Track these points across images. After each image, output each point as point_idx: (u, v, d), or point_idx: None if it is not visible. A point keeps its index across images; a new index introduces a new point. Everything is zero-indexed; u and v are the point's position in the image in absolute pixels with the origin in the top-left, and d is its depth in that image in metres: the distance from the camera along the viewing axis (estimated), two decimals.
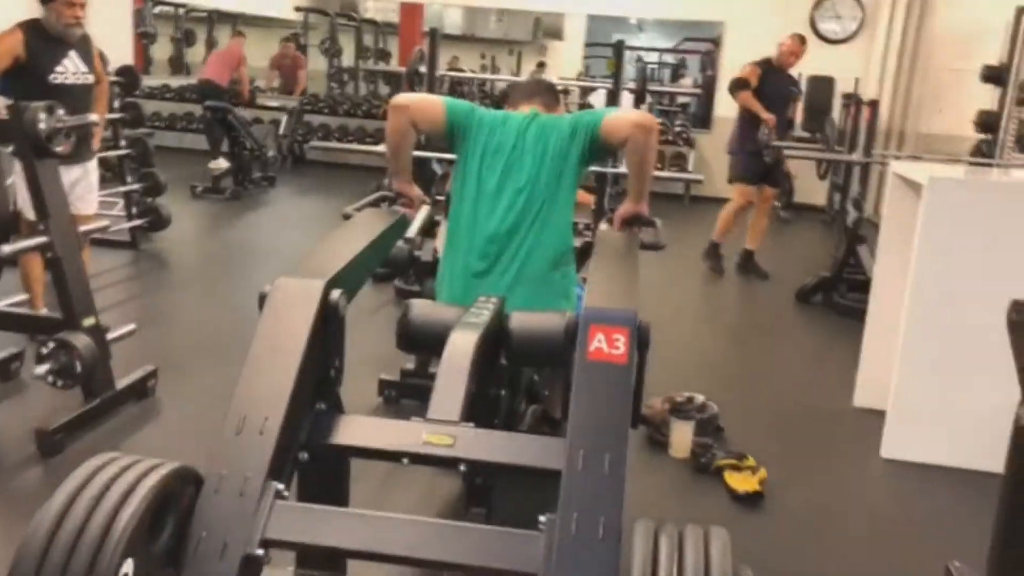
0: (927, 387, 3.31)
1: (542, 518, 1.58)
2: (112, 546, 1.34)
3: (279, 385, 1.73)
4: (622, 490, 1.59)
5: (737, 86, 6.30)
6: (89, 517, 1.37)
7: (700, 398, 3.52)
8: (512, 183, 2.61)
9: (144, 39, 11.58)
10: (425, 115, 2.70)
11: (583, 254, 3.00)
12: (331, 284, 1.91)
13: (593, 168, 4.98)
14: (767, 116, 6.16)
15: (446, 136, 2.73)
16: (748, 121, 6.26)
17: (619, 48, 5.85)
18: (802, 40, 6.45)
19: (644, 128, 2.58)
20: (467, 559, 1.60)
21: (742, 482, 3.00)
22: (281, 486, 1.64)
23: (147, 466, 1.49)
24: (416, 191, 2.87)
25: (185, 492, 1.55)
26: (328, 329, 1.90)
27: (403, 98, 2.75)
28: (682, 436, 3.26)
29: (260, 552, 1.54)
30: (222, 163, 8.42)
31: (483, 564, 1.60)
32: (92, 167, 4.32)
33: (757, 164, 6.28)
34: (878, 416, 3.46)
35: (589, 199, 4.26)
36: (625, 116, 2.68)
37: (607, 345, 1.79)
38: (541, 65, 12.86)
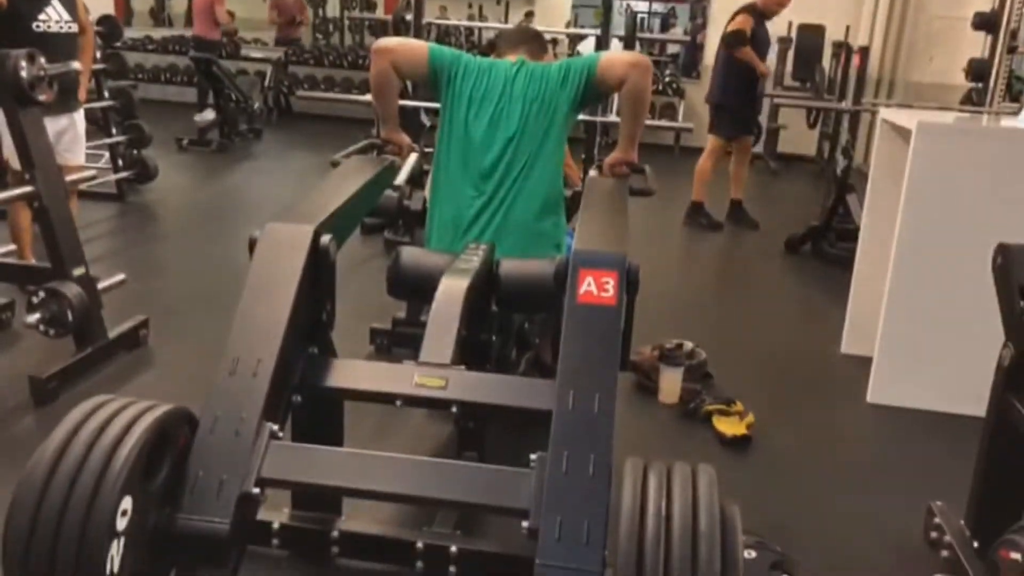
0: (913, 333, 3.34)
1: (533, 456, 1.60)
2: (111, 483, 1.36)
3: (271, 328, 1.75)
4: (612, 428, 1.61)
5: (737, 40, 6.03)
6: (87, 455, 1.39)
7: (689, 345, 3.54)
8: (502, 132, 2.62)
9: None
10: (408, 59, 2.69)
11: (572, 204, 3.00)
12: (320, 229, 1.92)
13: (583, 117, 4.96)
14: (764, 68, 6.09)
15: (429, 81, 2.72)
16: (739, 72, 6.11)
17: None
18: None
19: (640, 68, 2.58)
20: (460, 496, 1.63)
21: (730, 427, 3.04)
22: (275, 427, 1.66)
23: (143, 407, 1.51)
24: (404, 138, 2.88)
25: (181, 432, 1.56)
26: (318, 273, 1.91)
27: (386, 42, 2.75)
28: (671, 382, 3.30)
29: (256, 491, 1.56)
30: (208, 115, 8.33)
31: (475, 501, 1.64)
32: (79, 117, 4.28)
33: (747, 117, 6.29)
34: (865, 362, 3.50)
35: (577, 176, 4.11)
36: (620, 56, 2.68)
37: (596, 288, 1.80)
38: (529, 15, 12.68)
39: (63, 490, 1.36)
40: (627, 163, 2.79)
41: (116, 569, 1.38)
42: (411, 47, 2.78)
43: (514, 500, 1.57)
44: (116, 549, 1.38)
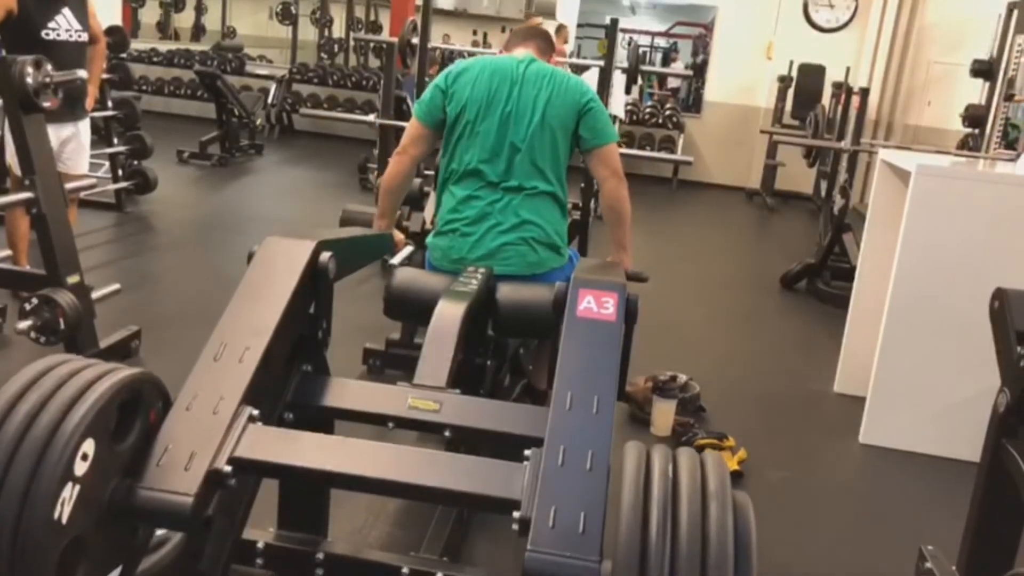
0: (908, 375, 3.34)
1: (527, 452, 1.54)
2: (77, 417, 1.29)
3: (263, 320, 1.70)
4: (611, 427, 1.55)
5: None
6: (57, 389, 1.32)
7: (683, 377, 3.54)
8: (511, 135, 2.58)
9: (132, 2, 11.44)
10: (417, 143, 2.71)
11: (571, 232, 2.99)
12: (321, 246, 1.90)
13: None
14: None
15: (439, 129, 2.69)
16: None
17: (613, 27, 5.80)
18: None
19: (614, 180, 2.65)
20: (448, 484, 1.55)
21: None
22: (256, 412, 1.58)
23: (118, 365, 1.45)
24: (399, 235, 2.87)
25: (153, 404, 1.49)
26: (316, 289, 1.89)
27: (400, 146, 2.76)
28: (664, 414, 3.29)
29: (228, 468, 1.47)
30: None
31: (465, 490, 1.55)
32: (84, 127, 4.27)
33: None
34: (858, 402, 3.50)
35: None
36: (609, 162, 2.67)
37: (596, 305, 1.80)
38: None
39: (27, 416, 1.29)
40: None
41: (64, 518, 1.28)
42: (410, 134, 2.74)
43: (506, 490, 1.49)
44: (69, 494, 1.29)
